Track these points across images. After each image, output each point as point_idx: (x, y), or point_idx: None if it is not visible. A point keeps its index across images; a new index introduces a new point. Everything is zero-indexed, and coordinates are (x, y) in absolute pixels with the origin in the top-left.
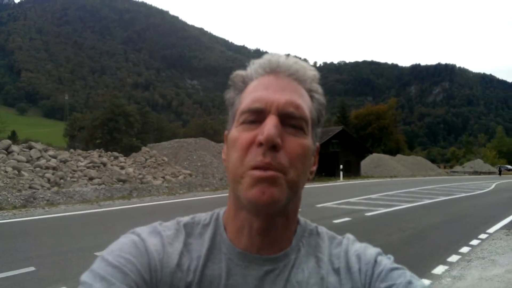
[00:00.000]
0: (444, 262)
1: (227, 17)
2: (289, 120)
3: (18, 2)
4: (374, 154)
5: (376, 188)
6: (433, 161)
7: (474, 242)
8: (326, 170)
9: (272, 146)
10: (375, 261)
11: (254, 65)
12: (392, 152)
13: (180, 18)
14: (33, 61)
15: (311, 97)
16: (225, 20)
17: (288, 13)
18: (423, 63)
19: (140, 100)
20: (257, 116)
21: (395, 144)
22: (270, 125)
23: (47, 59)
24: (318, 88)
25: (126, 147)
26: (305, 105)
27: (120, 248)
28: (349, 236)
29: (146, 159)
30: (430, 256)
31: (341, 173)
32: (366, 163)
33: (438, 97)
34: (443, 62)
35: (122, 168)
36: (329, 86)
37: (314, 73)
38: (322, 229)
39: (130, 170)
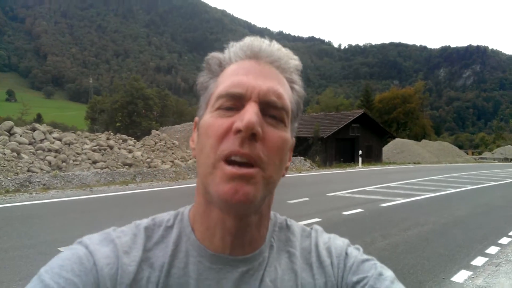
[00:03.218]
0: (468, 267)
1: None
2: (270, 109)
3: None
4: (398, 139)
5: (397, 175)
6: (460, 147)
7: (504, 240)
8: (345, 156)
9: (251, 135)
10: (346, 253)
11: (234, 48)
12: (418, 137)
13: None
14: (58, 45)
15: (292, 88)
16: (248, 1)
17: None
18: (453, 45)
19: (162, 84)
20: (235, 102)
21: (421, 129)
22: (251, 111)
23: (72, 43)
24: (299, 80)
25: (145, 131)
26: (287, 95)
27: (61, 264)
28: (317, 227)
29: (155, 143)
30: (451, 257)
31: (360, 159)
32: (389, 148)
33: (468, 80)
34: (474, 44)
35: (130, 151)
36: (354, 70)
37: (296, 62)
38: (292, 222)
39: (138, 153)
